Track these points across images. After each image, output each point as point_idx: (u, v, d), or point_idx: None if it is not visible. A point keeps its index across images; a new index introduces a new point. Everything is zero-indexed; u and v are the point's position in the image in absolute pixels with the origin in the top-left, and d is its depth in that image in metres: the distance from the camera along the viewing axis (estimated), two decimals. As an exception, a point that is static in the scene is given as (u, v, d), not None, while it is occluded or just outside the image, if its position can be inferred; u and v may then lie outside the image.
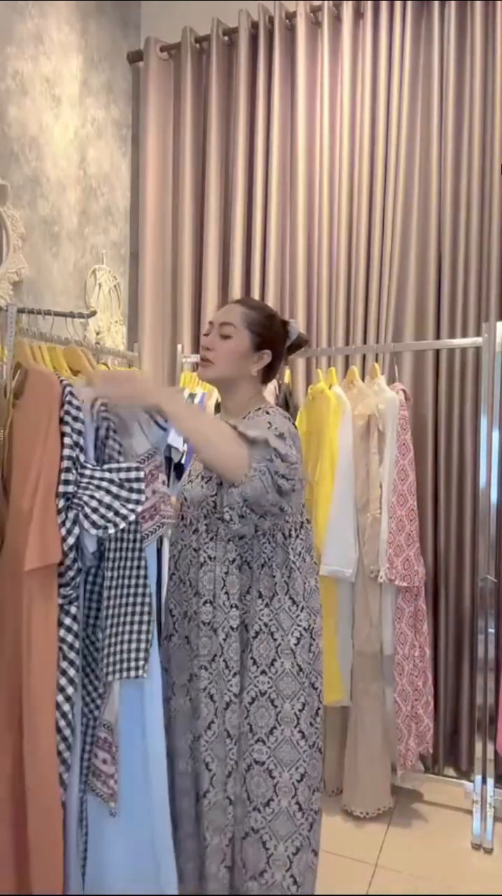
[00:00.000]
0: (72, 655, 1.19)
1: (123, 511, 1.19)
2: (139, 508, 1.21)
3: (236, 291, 2.93)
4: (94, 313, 2.60)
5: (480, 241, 2.56)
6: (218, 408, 2.47)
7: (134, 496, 1.21)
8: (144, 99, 3.10)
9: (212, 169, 3.00)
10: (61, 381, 1.26)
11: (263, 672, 1.35)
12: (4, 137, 2.36)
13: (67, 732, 1.17)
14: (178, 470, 2.47)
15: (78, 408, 1.23)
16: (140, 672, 1.25)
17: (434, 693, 2.34)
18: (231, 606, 1.36)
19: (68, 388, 1.24)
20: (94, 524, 1.17)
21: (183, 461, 2.43)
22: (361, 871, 1.97)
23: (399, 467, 2.21)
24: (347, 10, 2.75)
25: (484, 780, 2.17)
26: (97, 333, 2.85)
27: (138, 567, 1.28)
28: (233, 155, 3.00)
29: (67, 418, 1.22)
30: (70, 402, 1.23)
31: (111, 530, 1.18)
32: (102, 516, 1.18)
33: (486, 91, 2.56)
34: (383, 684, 2.24)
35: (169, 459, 2.43)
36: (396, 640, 2.18)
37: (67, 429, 1.21)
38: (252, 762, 1.32)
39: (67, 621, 1.19)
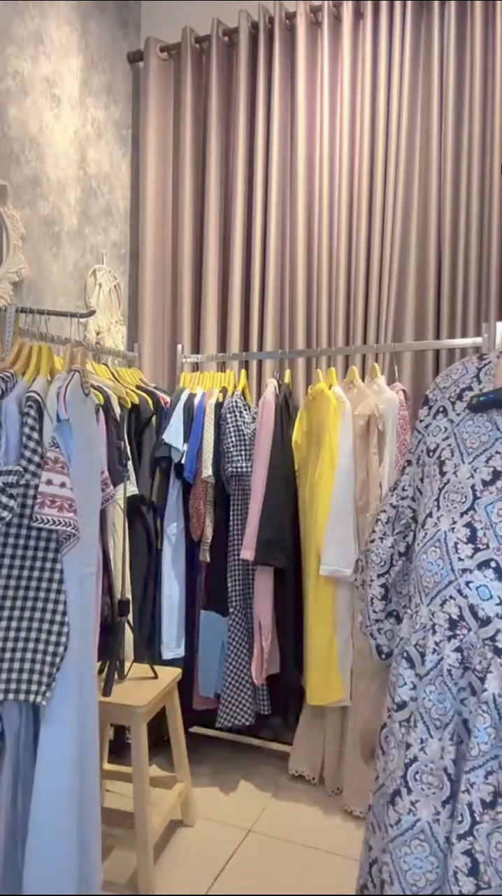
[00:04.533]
0: None
1: None
2: (8, 516, 1.13)
3: (236, 291, 2.92)
4: (92, 313, 2.61)
5: (480, 241, 2.56)
6: (218, 407, 2.47)
7: (11, 503, 1.13)
8: (144, 99, 3.10)
9: (212, 169, 3.00)
10: None
11: None
12: (4, 137, 2.36)
13: None
14: (178, 470, 2.46)
15: None
16: (37, 697, 1.14)
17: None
18: None
19: None
20: None
21: (183, 461, 2.43)
22: (361, 871, 1.97)
23: (399, 467, 2.20)
24: (347, 11, 2.75)
25: (484, 780, 2.16)
26: (97, 333, 2.85)
27: (49, 579, 1.19)
28: (233, 155, 3.00)
29: None
30: None
31: None
32: None
33: (486, 91, 2.56)
34: (383, 684, 2.23)
35: (169, 459, 2.44)
36: (396, 640, 2.18)
37: None
38: None
39: None
